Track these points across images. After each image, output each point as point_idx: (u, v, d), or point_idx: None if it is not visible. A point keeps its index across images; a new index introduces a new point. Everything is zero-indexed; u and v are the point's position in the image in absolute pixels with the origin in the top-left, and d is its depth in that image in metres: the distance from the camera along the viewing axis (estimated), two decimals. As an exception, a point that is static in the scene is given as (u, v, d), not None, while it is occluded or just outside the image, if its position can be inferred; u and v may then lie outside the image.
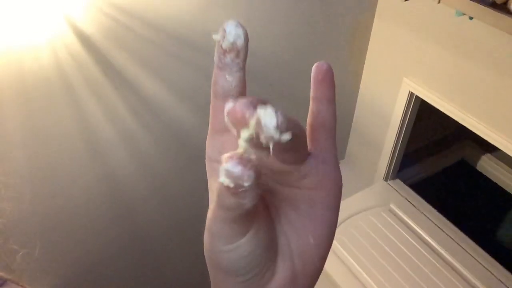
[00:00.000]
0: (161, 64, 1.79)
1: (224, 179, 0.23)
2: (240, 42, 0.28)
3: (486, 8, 1.67)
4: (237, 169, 0.23)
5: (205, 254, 0.30)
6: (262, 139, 0.23)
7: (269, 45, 2.04)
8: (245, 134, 0.24)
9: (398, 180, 2.76)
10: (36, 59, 1.48)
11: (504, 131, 1.94)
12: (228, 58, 0.28)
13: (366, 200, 2.59)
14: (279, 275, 0.30)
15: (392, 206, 2.54)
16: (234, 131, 0.25)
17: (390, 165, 2.68)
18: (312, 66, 0.31)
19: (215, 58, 0.29)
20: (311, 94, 0.29)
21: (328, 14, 2.13)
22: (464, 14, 1.80)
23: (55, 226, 1.96)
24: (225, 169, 0.23)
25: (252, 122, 0.23)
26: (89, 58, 1.59)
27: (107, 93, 1.72)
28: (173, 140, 2.03)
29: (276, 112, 0.23)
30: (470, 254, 2.31)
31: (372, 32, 2.38)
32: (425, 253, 2.30)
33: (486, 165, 3.42)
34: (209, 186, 0.32)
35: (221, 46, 0.28)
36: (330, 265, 2.26)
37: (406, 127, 2.48)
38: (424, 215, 2.50)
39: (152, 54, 1.74)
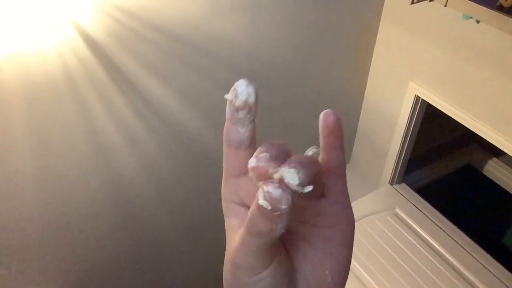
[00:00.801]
0: (167, 68, 1.79)
1: (263, 201, 0.25)
2: (251, 100, 0.29)
3: (493, 11, 1.66)
4: (277, 192, 0.24)
5: (225, 287, 0.31)
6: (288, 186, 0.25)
7: (275, 49, 2.04)
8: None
9: (403, 184, 2.75)
10: (43, 63, 1.49)
11: (511, 135, 1.93)
12: (241, 114, 0.30)
13: (371, 204, 2.58)
14: None
15: (398, 210, 2.53)
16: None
17: (395, 169, 2.67)
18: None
19: (228, 114, 0.30)
20: (320, 143, 0.31)
21: (334, 18, 2.13)
22: (471, 17, 1.79)
23: (59, 228, 1.97)
24: (266, 191, 0.24)
25: (277, 175, 0.25)
26: (96, 61, 1.60)
27: (113, 96, 1.73)
28: (178, 144, 2.04)
29: (298, 173, 0.25)
30: (476, 259, 2.29)
31: (378, 36, 2.38)
32: (431, 258, 2.29)
33: (493, 170, 3.40)
34: (226, 226, 0.34)
35: (234, 105, 0.29)
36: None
37: (412, 131, 2.47)
38: (430, 219, 2.48)
39: (158, 58, 1.74)
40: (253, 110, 0.30)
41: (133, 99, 1.79)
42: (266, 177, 0.25)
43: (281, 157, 0.26)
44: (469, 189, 3.42)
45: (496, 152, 3.31)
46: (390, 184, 2.73)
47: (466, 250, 2.33)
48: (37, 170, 1.74)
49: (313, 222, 0.31)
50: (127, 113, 1.80)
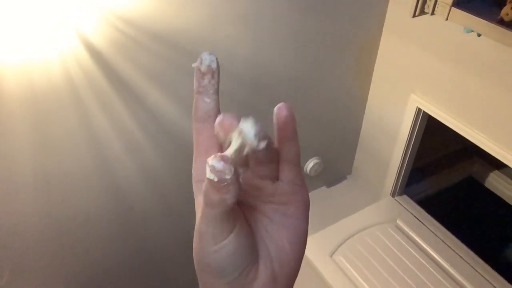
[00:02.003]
0: (169, 77, 1.80)
1: (210, 174, 0.28)
2: (214, 64, 0.34)
3: (494, 25, 1.67)
4: (220, 164, 0.28)
5: (195, 259, 0.35)
6: (245, 147, 0.29)
7: (277, 59, 2.06)
8: (231, 148, 0.30)
9: (405, 196, 2.75)
10: (47, 72, 1.51)
11: (512, 148, 1.94)
12: (206, 80, 0.34)
13: (373, 216, 2.57)
14: (261, 275, 0.34)
15: (399, 222, 2.52)
16: (223, 144, 0.31)
17: (397, 181, 2.66)
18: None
19: (195, 84, 0.35)
20: (275, 135, 0.33)
21: (336, 30, 2.14)
22: (472, 31, 1.81)
23: (59, 236, 1.97)
24: (210, 165, 0.28)
25: (235, 134, 0.29)
26: (98, 70, 1.61)
27: (115, 105, 1.74)
28: (179, 153, 2.04)
29: (255, 123, 0.29)
30: (478, 272, 2.28)
31: (379, 48, 2.39)
32: (432, 270, 2.27)
33: (494, 182, 3.39)
34: (195, 204, 0.37)
35: (200, 70, 0.34)
36: (337, 281, 2.24)
37: (413, 143, 2.47)
38: (432, 232, 2.48)
39: (160, 67, 1.75)
40: (216, 76, 0.34)
41: (135, 108, 1.79)
42: (229, 130, 0.30)
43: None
44: (471, 201, 3.41)
45: (497, 165, 3.30)
46: (392, 196, 2.72)
47: (467, 263, 2.31)
48: (39, 178, 1.74)
49: (270, 201, 0.35)
50: (129, 121, 1.81)
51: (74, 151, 1.75)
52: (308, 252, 2.38)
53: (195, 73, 0.35)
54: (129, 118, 1.80)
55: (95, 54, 1.57)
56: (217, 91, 0.35)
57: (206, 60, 0.34)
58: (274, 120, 0.32)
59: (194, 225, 0.35)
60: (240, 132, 0.29)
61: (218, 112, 0.35)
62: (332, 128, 2.64)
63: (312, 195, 2.86)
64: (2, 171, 1.64)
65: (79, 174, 1.83)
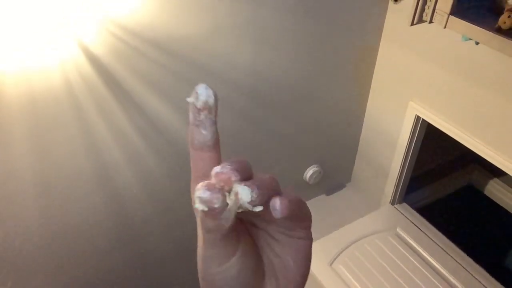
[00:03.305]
0: (169, 85, 1.81)
1: (198, 205, 0.28)
2: (211, 100, 0.32)
3: (492, 33, 1.68)
4: (206, 194, 0.28)
5: (199, 276, 0.34)
6: (241, 207, 0.28)
7: (276, 68, 2.06)
8: (230, 201, 0.28)
9: (405, 204, 2.75)
10: (47, 80, 1.51)
11: (511, 156, 1.94)
12: (202, 115, 0.32)
13: (372, 224, 2.56)
14: None
15: (399, 231, 2.51)
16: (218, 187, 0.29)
17: (396, 189, 2.66)
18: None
19: (190, 117, 0.33)
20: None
21: (334, 38, 2.15)
22: (470, 39, 1.81)
23: (58, 244, 1.96)
24: (197, 196, 0.28)
25: (234, 189, 0.28)
26: (98, 78, 1.62)
27: (114, 113, 1.74)
28: (178, 160, 2.04)
29: (251, 191, 0.28)
30: (478, 280, 2.27)
31: (378, 56, 2.40)
32: (432, 278, 2.26)
33: (494, 190, 3.39)
34: (197, 224, 0.36)
35: (196, 106, 0.32)
36: (336, 290, 2.23)
37: (412, 150, 2.47)
38: (431, 240, 2.47)
39: (160, 76, 1.76)
40: (213, 111, 0.32)
41: (134, 115, 1.80)
42: (229, 184, 0.28)
43: (242, 171, 0.29)
44: (470, 209, 3.41)
45: (497, 173, 3.30)
46: (391, 204, 2.72)
47: (467, 271, 2.31)
48: (38, 184, 1.74)
49: (274, 222, 0.34)
50: (128, 128, 1.81)
51: (73, 158, 1.75)
52: (308, 260, 2.37)
53: (190, 107, 0.33)
54: (128, 125, 1.80)
55: (95, 61, 1.57)
56: (215, 123, 0.33)
57: (203, 95, 0.32)
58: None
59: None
60: (236, 194, 0.28)
61: (217, 140, 0.34)
62: (331, 136, 2.64)
63: (311, 203, 2.86)
64: (2, 177, 1.63)
65: (78, 180, 1.83)
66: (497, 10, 1.73)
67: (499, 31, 1.68)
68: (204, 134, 0.33)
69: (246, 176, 0.29)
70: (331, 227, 2.55)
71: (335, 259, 2.36)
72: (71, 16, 1.44)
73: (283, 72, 2.10)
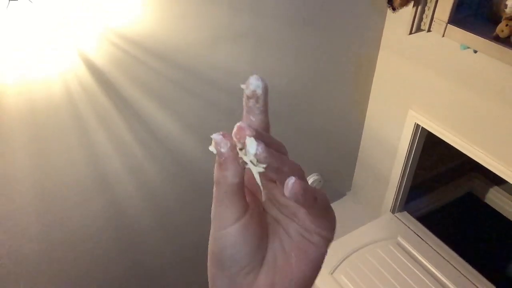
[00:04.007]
0: (169, 95, 1.81)
1: (211, 147, 0.32)
2: (259, 91, 0.35)
3: (490, 41, 1.69)
4: (218, 137, 0.32)
5: (209, 247, 0.36)
6: (248, 163, 0.31)
7: (276, 77, 2.07)
8: (242, 155, 0.32)
9: (405, 213, 2.74)
10: (47, 89, 1.51)
11: (511, 164, 1.94)
12: (251, 103, 0.35)
13: (373, 233, 2.56)
14: (260, 281, 0.35)
15: (400, 239, 2.51)
16: (238, 145, 0.33)
17: (397, 197, 2.66)
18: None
19: (243, 102, 0.36)
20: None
21: (333, 47, 2.16)
22: (468, 47, 1.82)
23: (58, 255, 1.95)
24: (212, 136, 0.32)
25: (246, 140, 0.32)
26: (99, 88, 1.62)
27: (115, 123, 1.74)
28: (179, 172, 2.04)
29: (257, 145, 0.31)
30: (480, 289, 2.26)
31: (377, 65, 2.41)
32: (433, 287, 2.25)
33: (494, 198, 3.38)
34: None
35: (245, 93, 0.35)
36: (337, 299, 2.21)
37: (412, 159, 2.47)
38: (432, 248, 2.46)
39: (160, 85, 1.76)
40: (260, 101, 0.35)
41: (135, 125, 1.80)
42: (243, 137, 0.31)
43: (260, 134, 0.32)
44: (471, 217, 3.40)
45: (497, 181, 3.30)
46: (392, 212, 2.72)
47: (468, 279, 2.30)
48: (38, 194, 1.74)
49: (292, 218, 0.36)
50: (128, 138, 1.81)
51: (73, 167, 1.75)
52: (308, 269, 2.36)
53: (243, 94, 0.36)
54: (128, 134, 1.80)
55: (95, 71, 1.58)
56: (263, 112, 0.36)
57: (252, 85, 0.35)
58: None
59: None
60: (245, 146, 0.31)
61: (264, 129, 0.36)
62: (331, 145, 2.64)
63: (312, 212, 2.85)
64: (2, 185, 1.63)
65: (78, 189, 1.83)
66: (495, 19, 1.74)
67: (497, 39, 1.69)
68: (252, 121, 0.35)
69: (263, 139, 0.31)
70: (332, 236, 2.53)
71: (336, 268, 2.35)
72: (71, 26, 1.45)
73: (283, 81, 2.11)
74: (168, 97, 1.81)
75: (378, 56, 2.37)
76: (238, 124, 0.32)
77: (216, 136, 0.32)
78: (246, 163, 0.32)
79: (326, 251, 0.37)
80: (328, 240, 0.36)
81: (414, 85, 2.26)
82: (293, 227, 0.36)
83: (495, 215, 3.31)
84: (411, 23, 2.00)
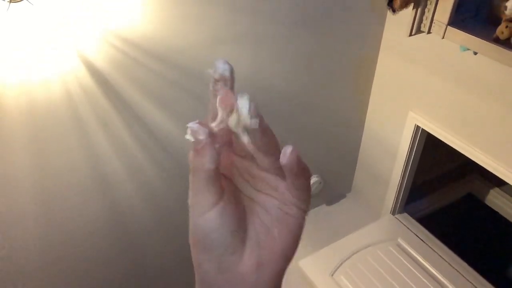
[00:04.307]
0: (169, 96, 1.81)
1: (188, 136, 0.33)
2: (226, 73, 0.37)
3: (489, 43, 1.69)
4: (195, 126, 0.33)
5: (189, 234, 0.37)
6: (241, 122, 0.32)
7: (276, 79, 2.07)
8: (232, 121, 0.33)
9: (405, 214, 2.74)
10: (47, 91, 1.51)
11: (511, 165, 1.94)
12: (219, 86, 0.37)
13: (373, 235, 2.56)
14: (246, 259, 0.36)
15: (400, 241, 2.50)
16: (224, 117, 0.34)
17: (397, 199, 2.66)
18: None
19: (210, 87, 0.37)
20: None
21: (333, 48, 2.16)
22: (468, 49, 1.82)
23: (58, 255, 1.95)
24: (187, 126, 0.32)
25: (235, 110, 0.32)
26: (98, 90, 1.62)
27: (114, 124, 1.74)
28: (179, 172, 2.04)
29: (250, 101, 0.32)
30: (481, 291, 2.26)
31: (377, 67, 2.41)
32: (434, 289, 2.25)
33: (494, 199, 3.38)
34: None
35: (214, 77, 0.37)
36: (337, 301, 2.21)
37: (412, 160, 2.47)
38: (433, 249, 2.46)
39: (160, 86, 1.77)
40: (228, 83, 0.36)
41: (134, 126, 1.80)
42: (231, 106, 0.33)
43: None
44: (471, 218, 3.39)
45: (497, 182, 3.30)
46: (392, 214, 2.71)
47: (468, 280, 2.29)
48: (38, 195, 1.74)
49: (269, 193, 0.37)
50: (128, 139, 1.81)
51: (73, 168, 1.75)
52: (309, 271, 2.36)
53: (210, 79, 0.37)
54: (128, 135, 1.80)
55: (95, 73, 1.58)
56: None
57: (220, 68, 0.36)
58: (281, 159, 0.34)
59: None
60: (237, 108, 0.32)
61: None
62: (332, 146, 2.64)
63: (312, 213, 2.85)
64: (2, 186, 1.63)
65: (78, 190, 1.83)
66: (495, 21, 1.74)
67: (497, 41, 1.69)
68: None
69: None
70: (332, 237, 2.54)
71: (336, 269, 2.35)
72: (71, 28, 1.45)
73: (283, 82, 2.11)
74: (167, 98, 1.81)
75: (378, 58, 2.37)
76: (222, 93, 0.34)
77: (192, 125, 0.33)
78: (237, 131, 0.33)
79: (304, 222, 0.38)
80: (305, 211, 0.37)
81: (414, 86, 2.26)
82: (270, 203, 0.37)
83: (495, 216, 3.31)
84: (411, 25, 2.00)
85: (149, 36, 1.62)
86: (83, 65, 1.54)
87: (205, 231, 0.35)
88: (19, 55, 1.40)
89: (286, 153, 0.33)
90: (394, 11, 1.96)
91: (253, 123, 0.32)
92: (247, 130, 0.33)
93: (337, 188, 2.94)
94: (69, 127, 1.64)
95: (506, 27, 1.66)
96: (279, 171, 0.36)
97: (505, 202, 3.31)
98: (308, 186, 0.37)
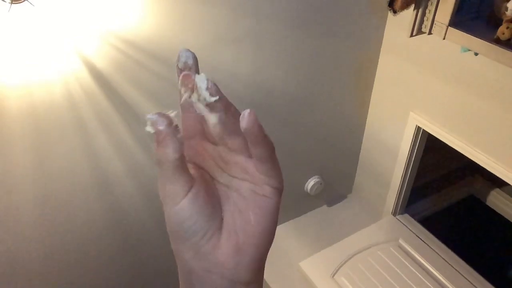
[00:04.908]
0: (170, 97, 1.81)
1: (148, 127, 0.33)
2: (190, 61, 0.37)
3: (490, 44, 1.69)
4: (154, 116, 0.33)
5: (167, 226, 0.37)
6: (201, 98, 0.33)
7: (276, 80, 2.07)
8: (193, 98, 0.34)
9: (406, 215, 2.74)
10: (48, 92, 1.52)
11: (512, 166, 1.94)
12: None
13: (374, 235, 2.55)
14: (224, 244, 0.36)
15: (401, 242, 2.50)
16: (186, 95, 0.35)
17: (398, 200, 2.65)
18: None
19: (177, 77, 0.38)
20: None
21: (334, 49, 2.17)
22: (469, 50, 1.82)
23: (59, 257, 1.95)
24: (147, 118, 0.33)
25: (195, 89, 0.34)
26: (99, 91, 1.63)
27: (115, 125, 1.74)
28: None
29: (207, 78, 0.33)
30: (482, 292, 2.26)
31: (378, 67, 2.41)
32: (436, 290, 2.25)
33: (495, 200, 3.38)
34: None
35: (177, 66, 0.37)
36: (338, 302, 2.21)
37: (413, 161, 2.47)
38: (434, 250, 2.46)
39: (161, 87, 1.77)
40: (193, 71, 0.37)
41: (136, 127, 1.80)
42: (190, 84, 0.34)
43: None
44: (472, 219, 3.39)
45: (498, 183, 3.30)
46: (393, 215, 2.71)
47: (469, 281, 2.29)
48: (39, 195, 1.74)
49: (243, 178, 0.38)
50: (129, 141, 1.82)
51: (74, 169, 1.76)
52: (309, 272, 2.36)
53: (176, 70, 0.38)
54: (129, 136, 1.80)
55: (96, 74, 1.58)
56: None
57: (183, 57, 0.37)
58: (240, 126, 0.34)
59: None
60: (195, 87, 0.33)
61: None
62: (332, 147, 2.64)
63: (313, 214, 2.85)
64: (3, 188, 1.64)
65: (79, 191, 1.83)
66: (496, 21, 1.74)
67: (498, 42, 1.69)
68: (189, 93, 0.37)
69: None
70: (333, 238, 2.54)
71: (337, 270, 2.35)
72: (72, 29, 1.45)
73: (284, 83, 2.11)
74: (168, 100, 1.82)
75: (379, 59, 2.37)
76: (182, 74, 0.35)
77: (152, 116, 0.33)
78: (197, 108, 0.34)
79: (279, 201, 0.38)
80: (278, 190, 0.38)
81: (415, 87, 2.26)
82: (244, 186, 0.38)
83: (497, 217, 3.30)
84: (412, 25, 2.00)
85: (150, 36, 1.62)
86: (84, 66, 1.54)
87: (180, 220, 0.36)
88: (20, 56, 1.41)
89: (245, 115, 0.33)
90: (395, 12, 1.96)
91: (211, 98, 0.33)
92: (209, 107, 0.33)
93: (338, 189, 2.94)
94: (70, 128, 1.65)
95: (507, 28, 1.66)
96: (248, 150, 0.36)
97: (506, 203, 3.31)
98: (273, 158, 0.37)
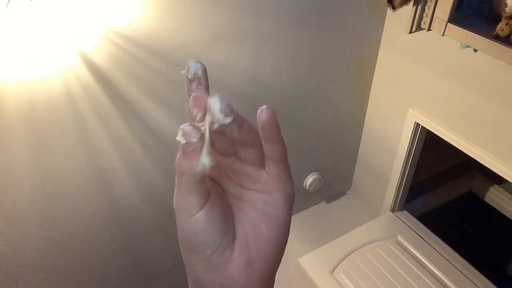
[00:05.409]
0: (169, 94, 1.81)
1: (179, 137, 0.32)
2: (199, 72, 0.37)
3: (490, 40, 1.69)
4: (188, 128, 0.32)
5: (179, 237, 0.37)
6: (215, 121, 0.32)
7: (276, 77, 2.07)
8: (207, 120, 0.33)
9: (405, 212, 2.74)
10: (47, 89, 1.51)
11: (511, 163, 1.94)
12: (193, 85, 0.38)
13: (373, 232, 2.56)
14: (236, 258, 0.36)
15: (400, 238, 2.51)
16: (199, 116, 0.34)
17: (397, 196, 2.66)
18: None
19: (185, 87, 0.38)
20: (261, 134, 0.36)
21: (333, 46, 2.16)
22: (468, 46, 1.82)
23: (59, 254, 1.95)
24: (180, 127, 0.32)
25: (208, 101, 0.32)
26: (98, 87, 1.62)
27: (114, 122, 1.74)
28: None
29: (221, 99, 0.32)
30: (478, 287, 2.26)
31: (377, 64, 2.41)
32: (433, 286, 2.26)
33: (494, 197, 3.39)
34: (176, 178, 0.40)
35: (187, 77, 0.38)
36: (337, 298, 2.22)
37: (412, 158, 2.47)
38: (432, 247, 2.46)
39: (161, 84, 1.76)
40: (202, 82, 0.37)
41: (135, 124, 1.80)
42: (203, 105, 0.34)
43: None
44: (471, 216, 3.40)
45: (497, 179, 3.30)
46: (392, 211, 2.72)
47: (467, 278, 2.30)
48: (38, 193, 1.74)
49: (254, 188, 0.37)
50: (128, 137, 1.81)
51: (74, 166, 1.75)
52: (308, 269, 2.36)
53: (185, 80, 0.38)
54: (128, 133, 1.80)
55: (95, 70, 1.58)
56: (206, 93, 0.37)
57: (192, 68, 0.37)
58: (258, 122, 0.35)
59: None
60: (208, 108, 0.32)
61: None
62: (331, 144, 2.64)
63: (312, 211, 2.86)
64: (2, 185, 1.63)
65: (78, 189, 1.83)
66: (495, 18, 1.74)
67: (497, 38, 1.69)
68: None
69: None
70: (332, 235, 2.54)
71: (336, 267, 2.35)
72: (71, 25, 1.45)
73: (283, 80, 2.11)
74: (167, 96, 1.81)
75: (378, 55, 2.37)
76: (192, 95, 0.35)
77: (186, 127, 0.32)
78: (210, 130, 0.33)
79: (291, 212, 0.38)
80: (289, 200, 0.37)
81: (414, 84, 2.26)
82: (256, 197, 0.37)
83: (495, 214, 3.31)
84: (411, 22, 1.99)
85: (149, 33, 1.62)
86: (83, 62, 1.54)
87: (195, 232, 0.35)
88: (18, 53, 1.40)
89: (264, 110, 0.33)
90: (394, 8, 1.96)
91: (226, 120, 0.32)
92: (224, 127, 0.33)
93: (337, 186, 2.95)
94: (69, 125, 1.64)
95: (507, 24, 1.66)
96: (261, 160, 0.36)
97: (504, 200, 3.32)
98: (285, 160, 0.37)
